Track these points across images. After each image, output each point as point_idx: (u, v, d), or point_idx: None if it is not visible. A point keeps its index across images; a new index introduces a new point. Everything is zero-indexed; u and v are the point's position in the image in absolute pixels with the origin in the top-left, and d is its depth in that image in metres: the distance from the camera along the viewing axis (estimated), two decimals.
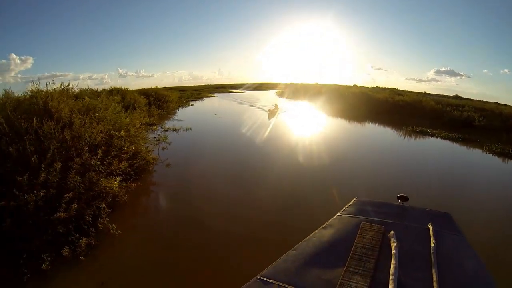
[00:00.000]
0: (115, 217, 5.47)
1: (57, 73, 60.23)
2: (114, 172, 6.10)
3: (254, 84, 68.16)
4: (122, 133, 7.22)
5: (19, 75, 53.93)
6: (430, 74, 70.22)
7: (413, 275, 1.70)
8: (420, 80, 68.94)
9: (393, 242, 1.97)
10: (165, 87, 58.78)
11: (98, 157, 5.83)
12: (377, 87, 36.87)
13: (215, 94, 44.86)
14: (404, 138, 14.04)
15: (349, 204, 2.73)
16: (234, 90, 56.99)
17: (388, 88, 36.40)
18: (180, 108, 24.27)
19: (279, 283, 1.63)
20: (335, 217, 2.48)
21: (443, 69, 67.67)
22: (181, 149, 10.41)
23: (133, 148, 7.41)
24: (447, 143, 13.06)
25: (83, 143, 5.98)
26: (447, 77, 70.77)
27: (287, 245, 2.10)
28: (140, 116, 14.67)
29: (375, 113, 21.34)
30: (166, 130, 13.13)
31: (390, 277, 1.62)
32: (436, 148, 12.49)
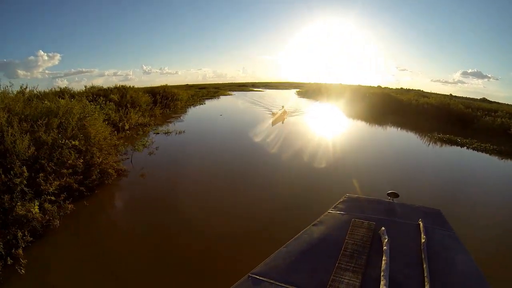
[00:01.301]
0: (36, 247, 4.56)
1: (83, 69, 63.22)
2: (46, 192, 5.19)
3: (276, 82, 67.21)
4: (76, 142, 6.35)
5: (47, 71, 57.34)
6: (457, 76, 65.76)
7: (404, 271, 1.70)
8: (446, 82, 65.28)
9: (384, 238, 1.97)
10: (187, 84, 60.00)
11: (25, 175, 4.95)
12: (401, 88, 34.31)
13: (233, 93, 43.99)
14: (429, 145, 12.10)
15: (339, 201, 2.71)
16: (255, 89, 56.14)
17: (412, 89, 34.02)
18: (191, 107, 23.62)
19: (270, 281, 1.62)
20: (325, 214, 2.46)
21: (470, 70, 63.29)
22: (164, 156, 9.37)
23: (88, 158, 6.51)
24: (483, 156, 10.83)
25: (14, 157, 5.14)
26: (474, 79, 66.43)
27: None
28: (136, 116, 14.20)
29: (398, 116, 19.35)
30: (158, 133, 12.23)
31: (382, 273, 1.63)
32: (469, 163, 10.34)
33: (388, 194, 2.85)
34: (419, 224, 2.21)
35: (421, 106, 19.62)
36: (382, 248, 1.88)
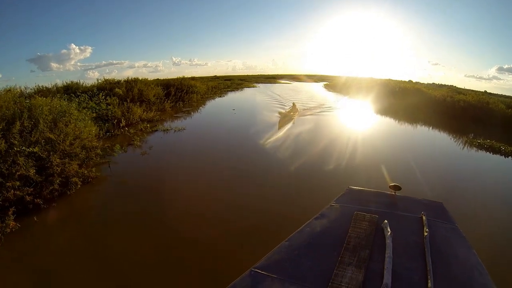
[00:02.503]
0: None
1: (114, 61, 65.91)
2: None
3: (304, 75, 64.83)
4: (36, 149, 5.79)
5: (79, 63, 60.64)
6: (492, 71, 62.45)
7: (407, 265, 1.68)
8: (481, 77, 62.03)
9: (386, 231, 1.94)
10: (215, 76, 60.00)
11: None
12: (433, 83, 30.94)
13: (258, 85, 42.80)
14: (467, 151, 10.15)
15: (341, 193, 2.67)
16: (283, 81, 54.44)
17: (445, 85, 30.43)
18: (209, 100, 22.97)
19: (272, 275, 1.60)
20: (327, 207, 2.41)
21: (506, 66, 58.86)
22: (154, 159, 8.52)
23: (48, 165, 5.93)
24: None
25: None
26: (510, 75, 60.12)
27: None
28: (140, 110, 13.77)
29: (430, 114, 16.93)
30: (156, 130, 11.58)
31: (385, 267, 1.61)
32: None
33: (391, 187, 2.74)
34: (421, 217, 2.18)
35: (456, 103, 16.88)
36: (385, 241, 1.86)
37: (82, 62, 63.10)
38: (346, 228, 2.05)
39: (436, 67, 73.02)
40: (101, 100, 12.37)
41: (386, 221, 2.05)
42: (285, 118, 13.81)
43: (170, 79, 22.43)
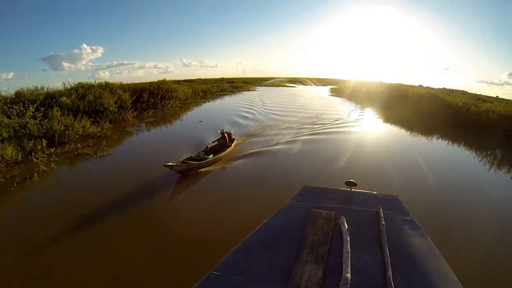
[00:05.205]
0: None
1: (125, 62, 65.90)
2: None
3: (313, 79, 62.24)
4: None
5: (90, 63, 60.92)
6: (504, 76, 59.79)
7: (365, 258, 1.70)
8: (492, 83, 58.80)
9: (343, 227, 1.96)
10: (222, 78, 58.30)
11: None
12: (444, 88, 27.46)
13: (258, 88, 40.42)
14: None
15: (297, 192, 2.62)
16: (289, 84, 51.80)
17: (456, 90, 26.78)
18: (192, 106, 20.63)
19: (232, 277, 1.60)
20: (283, 206, 2.37)
21: None
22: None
23: None
24: None
25: None
26: None
27: None
28: (88, 123, 11.59)
29: (450, 126, 13.80)
30: (79, 154, 8.95)
31: (343, 262, 1.62)
32: None
33: (346, 183, 2.64)
34: (377, 211, 2.20)
35: (484, 114, 13.38)
36: (342, 236, 1.87)
37: (93, 62, 63.55)
38: (303, 226, 2.01)
39: (447, 72, 71.35)
40: (32, 114, 10.34)
41: (342, 216, 2.05)
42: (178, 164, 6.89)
43: (148, 82, 20.07)
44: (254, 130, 12.31)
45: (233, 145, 9.25)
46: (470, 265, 3.90)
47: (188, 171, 7.16)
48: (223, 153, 8.35)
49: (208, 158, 7.66)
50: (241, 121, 14.42)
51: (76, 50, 60.53)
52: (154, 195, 6.17)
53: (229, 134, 9.72)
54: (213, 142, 9.19)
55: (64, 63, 58.44)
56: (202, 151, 8.31)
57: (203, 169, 7.51)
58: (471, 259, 4.08)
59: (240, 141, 10.38)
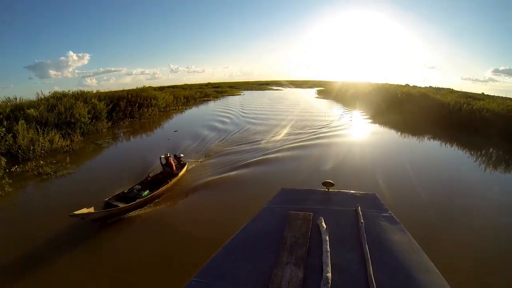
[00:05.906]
0: None
1: (112, 68, 64.04)
2: None
3: (300, 81, 62.23)
4: None
5: (77, 71, 58.92)
6: (488, 73, 61.48)
7: (345, 256, 1.68)
8: (477, 80, 62.08)
9: (322, 227, 1.93)
10: (208, 83, 57.14)
11: None
12: (430, 86, 27.87)
13: (243, 92, 39.51)
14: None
15: (274, 195, 2.55)
16: (275, 88, 51.37)
17: (443, 88, 27.22)
18: (173, 113, 19.47)
19: (213, 283, 1.55)
20: (261, 209, 2.32)
21: (502, 68, 60.53)
22: None
23: None
24: None
25: None
26: (506, 77, 61.57)
27: None
28: (56, 137, 10.37)
29: (443, 127, 13.23)
30: (39, 173, 7.84)
31: (323, 262, 1.60)
32: None
33: (324, 183, 2.58)
34: (356, 209, 2.18)
35: (478, 113, 12.88)
36: (321, 237, 1.84)
37: (80, 69, 61.37)
38: (281, 229, 1.97)
39: (432, 71, 74.52)
40: None
41: (321, 217, 2.03)
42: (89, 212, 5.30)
43: (126, 90, 18.73)
44: (220, 144, 10.50)
45: (183, 171, 7.36)
46: (462, 266, 3.88)
47: (108, 218, 5.32)
48: (164, 187, 6.39)
49: (142, 195, 5.92)
50: (206, 132, 12.63)
51: (63, 58, 58.50)
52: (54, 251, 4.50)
53: (179, 158, 7.81)
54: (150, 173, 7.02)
55: (50, 71, 56.24)
56: (139, 183, 6.44)
57: (133, 213, 5.61)
58: (463, 260, 4.07)
59: (195, 164, 8.36)
